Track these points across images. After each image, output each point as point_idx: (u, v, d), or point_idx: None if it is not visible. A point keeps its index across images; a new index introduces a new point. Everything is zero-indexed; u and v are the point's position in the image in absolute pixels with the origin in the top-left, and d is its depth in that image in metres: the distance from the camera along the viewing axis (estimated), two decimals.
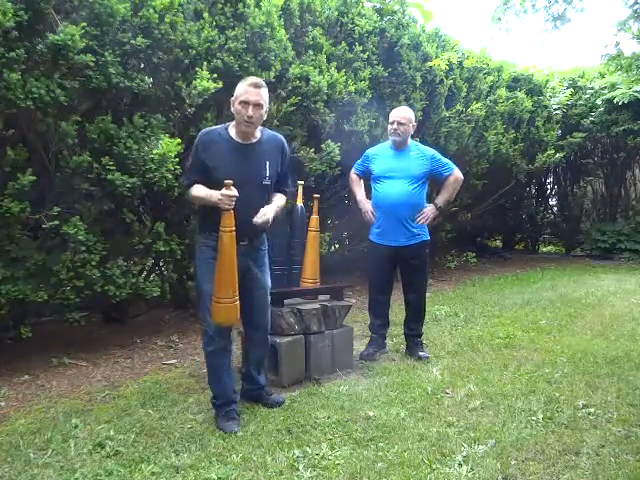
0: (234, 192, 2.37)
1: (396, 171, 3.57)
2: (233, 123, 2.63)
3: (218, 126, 2.68)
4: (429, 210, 3.63)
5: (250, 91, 2.49)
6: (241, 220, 2.46)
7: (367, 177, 3.79)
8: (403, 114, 3.59)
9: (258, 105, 2.50)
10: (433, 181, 3.86)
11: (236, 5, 3.97)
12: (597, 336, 4.26)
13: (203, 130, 2.67)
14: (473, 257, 8.06)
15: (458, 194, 3.86)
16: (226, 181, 2.37)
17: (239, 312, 2.52)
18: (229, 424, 2.56)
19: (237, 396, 2.75)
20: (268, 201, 2.64)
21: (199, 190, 2.54)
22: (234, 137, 2.59)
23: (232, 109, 2.58)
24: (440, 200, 3.68)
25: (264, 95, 2.55)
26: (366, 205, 3.70)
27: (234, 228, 2.41)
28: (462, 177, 3.74)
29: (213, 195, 2.44)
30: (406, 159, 3.61)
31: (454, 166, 3.71)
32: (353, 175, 3.83)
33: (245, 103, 2.49)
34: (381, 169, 3.62)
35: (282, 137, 2.76)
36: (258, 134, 2.63)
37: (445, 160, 3.72)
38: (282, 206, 2.76)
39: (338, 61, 4.85)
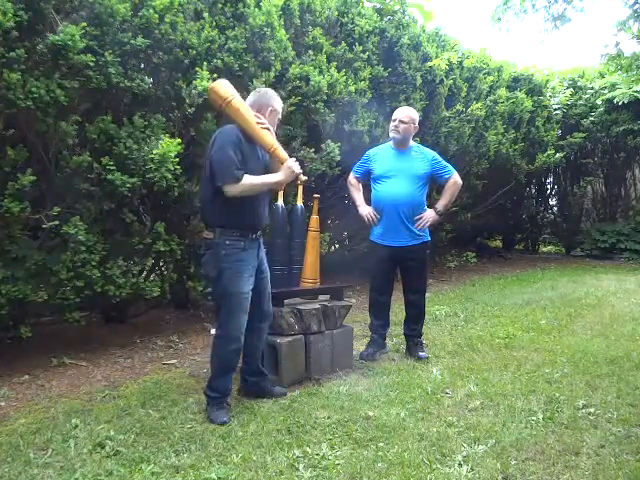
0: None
1: (398, 171, 3.57)
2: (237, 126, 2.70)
3: (234, 128, 2.67)
4: (429, 215, 3.63)
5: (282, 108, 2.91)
6: (258, 214, 2.72)
7: (367, 180, 3.78)
8: (405, 113, 3.61)
9: None
10: (432, 183, 3.85)
11: (236, 5, 3.97)
12: (597, 336, 4.26)
13: (227, 127, 2.68)
14: (473, 257, 8.06)
15: (458, 194, 3.86)
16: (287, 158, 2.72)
17: None
18: (219, 413, 2.67)
19: (230, 390, 2.83)
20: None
21: (253, 178, 2.64)
22: (247, 139, 2.68)
23: (267, 114, 2.75)
24: (440, 205, 3.68)
25: None
26: (366, 208, 3.69)
27: None
28: (461, 181, 3.76)
29: (275, 175, 2.72)
30: (408, 159, 3.61)
31: (454, 170, 3.72)
32: (352, 179, 3.81)
33: (278, 119, 2.88)
34: (383, 169, 3.62)
35: None
36: None
37: (445, 163, 3.73)
38: None
39: (338, 61, 4.85)
